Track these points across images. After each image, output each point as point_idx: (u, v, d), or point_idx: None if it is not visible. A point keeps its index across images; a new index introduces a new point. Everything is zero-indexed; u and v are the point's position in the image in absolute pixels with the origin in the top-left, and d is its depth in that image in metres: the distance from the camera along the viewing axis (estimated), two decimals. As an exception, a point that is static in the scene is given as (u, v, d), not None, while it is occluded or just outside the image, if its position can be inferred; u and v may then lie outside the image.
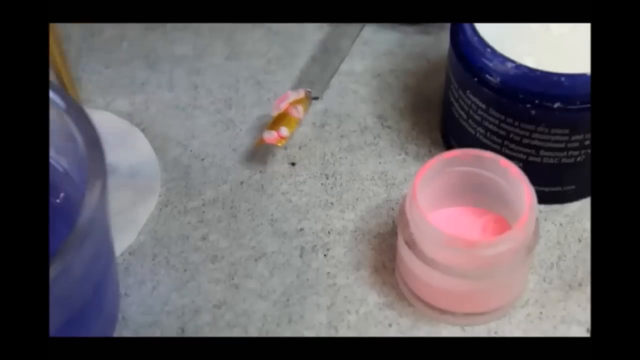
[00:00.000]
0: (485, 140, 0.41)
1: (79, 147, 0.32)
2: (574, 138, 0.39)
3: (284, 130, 0.43)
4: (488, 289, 0.37)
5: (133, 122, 0.47)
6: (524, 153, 0.40)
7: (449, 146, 0.44)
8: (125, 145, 0.46)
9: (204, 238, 0.42)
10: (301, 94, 0.45)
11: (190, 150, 0.45)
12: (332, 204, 0.43)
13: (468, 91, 0.40)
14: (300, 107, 0.45)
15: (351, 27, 0.50)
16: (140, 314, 0.39)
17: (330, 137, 0.46)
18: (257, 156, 0.45)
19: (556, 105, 0.37)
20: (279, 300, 0.39)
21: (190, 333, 0.38)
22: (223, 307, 0.39)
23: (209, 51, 0.50)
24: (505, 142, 0.40)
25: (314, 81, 0.47)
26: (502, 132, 0.40)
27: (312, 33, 0.51)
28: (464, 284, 0.36)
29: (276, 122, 0.44)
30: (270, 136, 0.43)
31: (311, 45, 0.50)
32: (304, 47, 0.50)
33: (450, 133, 0.44)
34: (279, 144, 0.43)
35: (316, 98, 0.46)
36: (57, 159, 0.35)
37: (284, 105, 0.44)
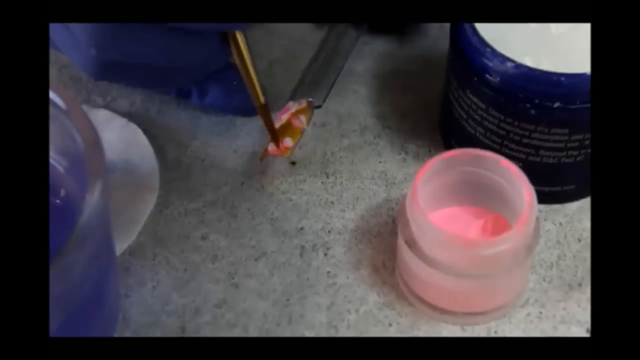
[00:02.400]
0: (485, 140, 0.41)
1: (79, 147, 0.32)
2: (573, 138, 0.39)
3: (288, 141, 0.44)
4: (488, 289, 0.37)
5: (133, 122, 0.47)
6: (524, 152, 0.40)
7: (448, 146, 0.44)
8: (122, 141, 0.45)
9: (204, 238, 0.42)
10: (303, 104, 0.45)
11: (191, 151, 0.45)
12: (332, 203, 0.43)
13: (468, 91, 0.40)
14: (303, 117, 0.45)
15: (351, 30, 0.49)
16: (141, 314, 0.39)
17: (331, 136, 0.46)
18: (258, 155, 0.45)
19: (556, 104, 0.37)
20: (279, 299, 0.39)
21: (190, 333, 0.38)
22: (223, 306, 0.39)
23: (209, 51, 0.50)
24: (505, 142, 0.40)
25: (315, 90, 0.47)
26: (502, 132, 0.40)
27: (313, 34, 0.51)
28: (463, 284, 0.36)
29: (279, 133, 0.44)
30: (274, 147, 0.43)
31: (312, 47, 0.50)
32: (305, 48, 0.50)
33: (450, 133, 0.44)
34: (284, 155, 0.43)
35: (319, 107, 0.46)
36: (57, 159, 0.35)
37: (285, 117, 0.44)
